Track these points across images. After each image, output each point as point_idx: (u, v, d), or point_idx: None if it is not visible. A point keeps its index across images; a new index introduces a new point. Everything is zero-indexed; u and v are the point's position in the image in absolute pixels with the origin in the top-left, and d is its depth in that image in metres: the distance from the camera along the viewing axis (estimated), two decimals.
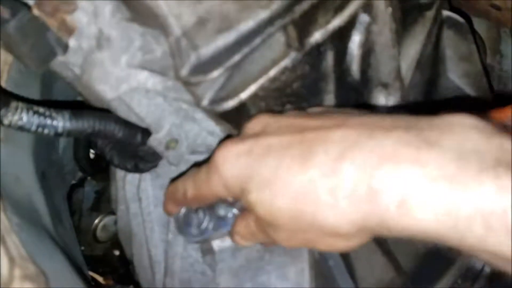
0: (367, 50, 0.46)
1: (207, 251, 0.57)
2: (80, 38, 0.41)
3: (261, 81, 0.39)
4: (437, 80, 0.66)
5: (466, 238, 0.29)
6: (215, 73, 0.37)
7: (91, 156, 0.82)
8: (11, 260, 0.38)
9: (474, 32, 0.66)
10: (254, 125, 0.38)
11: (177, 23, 0.35)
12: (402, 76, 0.54)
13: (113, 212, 0.81)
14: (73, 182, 0.87)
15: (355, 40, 0.44)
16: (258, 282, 0.50)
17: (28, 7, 0.38)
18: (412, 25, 0.56)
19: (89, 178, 0.89)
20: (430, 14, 0.57)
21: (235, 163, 0.36)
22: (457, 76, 0.69)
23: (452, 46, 0.65)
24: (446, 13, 0.63)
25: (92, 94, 0.41)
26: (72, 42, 0.41)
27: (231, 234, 0.45)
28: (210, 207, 0.46)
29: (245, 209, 0.41)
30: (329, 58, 0.44)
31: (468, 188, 0.28)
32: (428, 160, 0.30)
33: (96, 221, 0.92)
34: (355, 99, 0.51)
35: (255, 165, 0.35)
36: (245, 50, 0.37)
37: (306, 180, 0.33)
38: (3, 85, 0.52)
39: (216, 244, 0.54)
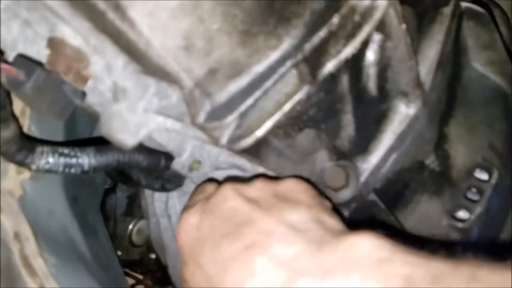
0: (383, 67, 0.45)
1: None
2: (96, 82, 0.41)
3: (276, 116, 0.39)
4: (460, 72, 0.64)
5: None
6: (230, 118, 0.37)
7: None
8: None
9: (495, 21, 0.63)
10: (220, 195, 0.41)
11: (188, 77, 0.35)
12: (422, 81, 0.52)
13: None
14: (106, 187, 0.90)
15: (370, 59, 0.43)
16: None
17: (42, 65, 0.39)
18: (429, 26, 0.54)
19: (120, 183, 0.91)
20: (447, 10, 0.55)
21: (185, 234, 0.40)
22: (480, 64, 0.67)
23: (474, 36, 0.62)
24: (464, 4, 0.60)
25: (112, 141, 0.42)
26: (89, 84, 0.41)
27: None
28: None
29: None
30: (344, 81, 0.43)
31: None
32: None
33: (131, 226, 0.94)
34: (374, 111, 0.51)
35: (196, 247, 0.39)
36: (258, 93, 0.37)
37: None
38: (27, 121, 0.54)
39: None
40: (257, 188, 0.41)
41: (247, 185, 0.41)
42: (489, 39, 0.64)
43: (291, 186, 0.42)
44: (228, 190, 0.40)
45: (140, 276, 1.02)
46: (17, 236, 0.45)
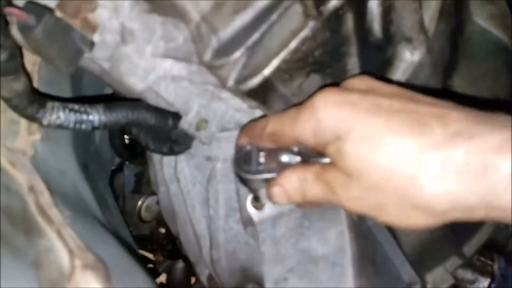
0: (387, 7, 0.45)
1: (247, 222, 0.59)
2: (104, 33, 0.42)
3: (283, 54, 0.40)
4: (462, 26, 0.65)
5: None
6: (237, 54, 0.37)
7: (126, 142, 0.84)
8: (70, 252, 0.41)
9: None
10: (358, 82, 0.39)
11: (195, 9, 0.35)
12: (425, 28, 0.52)
13: (154, 193, 0.85)
14: (113, 168, 0.91)
15: None
16: (300, 248, 0.52)
17: (51, 11, 0.39)
18: None
19: (127, 162, 0.92)
20: None
21: (336, 110, 0.36)
22: (482, 18, 0.67)
23: None
24: None
25: (122, 87, 0.43)
26: (96, 38, 0.42)
27: (270, 186, 0.43)
28: (272, 152, 0.44)
29: (305, 162, 0.41)
30: (349, 21, 0.43)
31: None
32: None
33: (139, 202, 0.95)
34: (379, 58, 0.51)
35: (359, 118, 0.35)
36: (264, 27, 0.37)
37: (416, 147, 0.33)
38: (36, 85, 0.55)
39: (255, 215, 0.56)
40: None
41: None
42: None
43: None
44: (365, 79, 0.39)
45: (150, 255, 1.04)
46: (31, 189, 0.46)
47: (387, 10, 0.45)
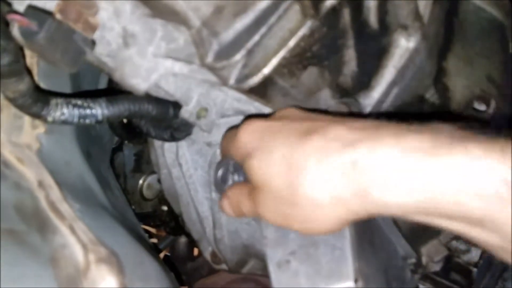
0: None
1: None
2: (104, 31, 0.42)
3: (282, 53, 0.41)
4: (457, 6, 0.65)
5: (440, 204, 0.32)
6: (238, 56, 0.38)
7: (124, 121, 0.85)
8: (84, 246, 0.42)
9: None
10: (284, 112, 0.44)
11: (196, 16, 0.36)
12: (420, 14, 0.53)
13: (154, 171, 0.86)
14: (113, 146, 0.92)
15: None
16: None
17: (52, 15, 0.40)
18: None
19: (126, 142, 0.93)
20: None
21: (251, 134, 0.42)
22: None
23: None
24: None
25: (126, 87, 0.43)
26: (97, 35, 0.42)
27: (222, 198, 0.49)
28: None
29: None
30: (346, 15, 0.44)
31: (441, 159, 0.32)
32: (405, 138, 0.34)
33: (141, 181, 0.97)
34: (375, 47, 0.52)
35: (265, 138, 0.41)
36: (263, 29, 0.38)
37: (302, 153, 0.37)
38: (35, 77, 0.55)
39: None
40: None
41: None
42: None
43: None
44: (290, 109, 0.44)
45: (153, 230, 1.06)
46: (41, 184, 0.47)
47: (383, 1, 0.46)
